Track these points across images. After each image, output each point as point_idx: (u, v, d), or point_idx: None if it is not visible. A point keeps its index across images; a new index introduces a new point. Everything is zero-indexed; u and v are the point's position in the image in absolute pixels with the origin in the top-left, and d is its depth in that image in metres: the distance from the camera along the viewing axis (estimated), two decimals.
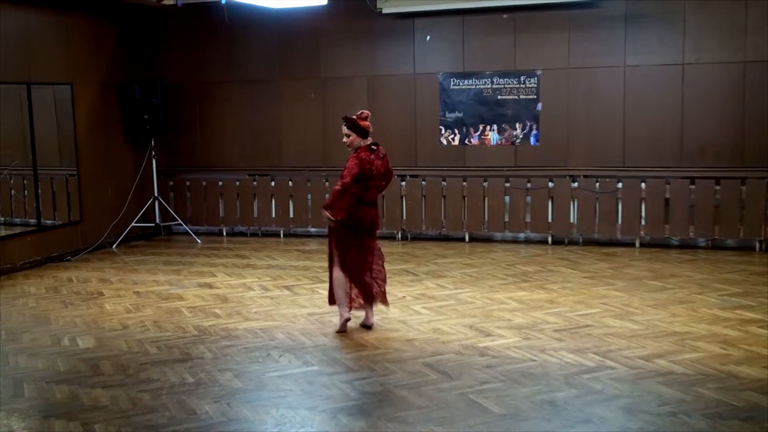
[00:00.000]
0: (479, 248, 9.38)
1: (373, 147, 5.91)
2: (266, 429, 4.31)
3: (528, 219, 9.54)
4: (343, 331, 6.06)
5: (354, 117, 5.89)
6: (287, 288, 7.55)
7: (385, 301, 6.22)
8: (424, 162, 9.94)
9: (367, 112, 6.01)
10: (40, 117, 8.99)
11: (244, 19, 10.05)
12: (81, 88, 9.52)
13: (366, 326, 6.13)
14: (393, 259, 8.84)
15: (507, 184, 9.56)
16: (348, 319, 6.09)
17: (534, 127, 9.49)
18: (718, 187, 8.81)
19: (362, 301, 6.13)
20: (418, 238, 10.03)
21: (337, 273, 6.03)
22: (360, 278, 6.03)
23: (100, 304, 7.14)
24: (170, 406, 4.62)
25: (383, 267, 6.24)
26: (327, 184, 10.08)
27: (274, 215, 10.54)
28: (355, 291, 6.12)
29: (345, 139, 5.91)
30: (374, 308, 6.19)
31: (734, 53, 8.68)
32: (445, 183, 9.80)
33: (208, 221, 10.84)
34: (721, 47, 8.73)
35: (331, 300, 6.18)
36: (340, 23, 10.03)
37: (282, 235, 10.57)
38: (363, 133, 5.88)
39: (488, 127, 9.66)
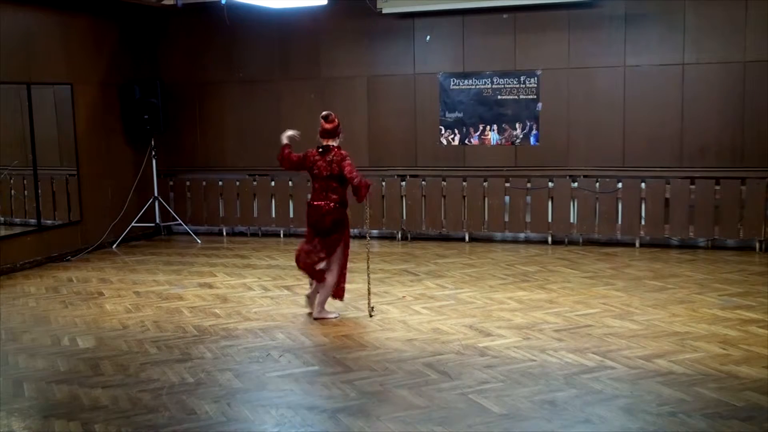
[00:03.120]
0: (479, 248, 9.38)
1: (321, 149, 6.21)
2: (266, 429, 4.31)
3: (528, 219, 9.54)
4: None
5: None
6: (287, 288, 7.55)
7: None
8: (424, 162, 9.94)
9: (328, 112, 6.30)
10: (40, 117, 8.99)
11: (244, 19, 10.05)
12: (81, 88, 9.52)
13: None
14: (393, 259, 8.86)
15: (507, 184, 9.56)
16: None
17: (534, 127, 9.49)
18: (718, 187, 8.81)
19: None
20: (418, 238, 10.03)
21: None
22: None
23: (100, 304, 7.14)
24: (170, 406, 4.62)
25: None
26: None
27: (274, 215, 10.54)
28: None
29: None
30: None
31: (734, 53, 8.68)
32: (445, 183, 9.80)
33: (208, 221, 10.84)
34: (721, 47, 8.73)
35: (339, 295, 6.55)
36: (340, 23, 10.03)
37: (282, 235, 10.57)
38: (322, 133, 6.24)
39: (488, 127, 9.65)
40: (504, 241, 9.78)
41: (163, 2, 9.89)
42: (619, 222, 9.21)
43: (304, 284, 7.69)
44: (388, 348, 5.62)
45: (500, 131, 9.62)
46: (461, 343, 5.69)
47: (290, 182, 10.42)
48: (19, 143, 9.10)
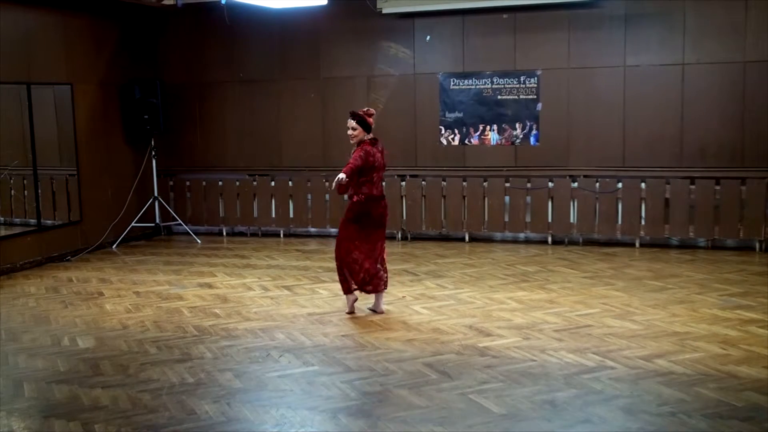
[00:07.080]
0: (479, 248, 9.38)
1: (374, 140, 6.32)
2: (266, 429, 4.31)
3: (528, 219, 9.54)
4: (351, 312, 6.51)
5: (361, 112, 6.29)
6: (287, 288, 7.55)
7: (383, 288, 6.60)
8: (424, 162, 9.94)
9: (373, 110, 6.41)
10: (40, 117, 8.98)
11: (244, 19, 10.05)
12: (81, 88, 9.52)
13: (375, 311, 6.52)
14: (393, 259, 8.83)
15: (507, 184, 9.56)
16: (355, 299, 6.53)
17: (534, 127, 9.49)
18: (718, 187, 8.81)
19: (369, 287, 6.46)
20: (418, 238, 10.03)
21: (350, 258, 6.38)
22: (371, 266, 6.37)
23: (100, 304, 7.14)
24: (170, 406, 4.62)
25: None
26: (327, 183, 10.10)
27: (274, 215, 10.54)
28: (361, 276, 6.41)
29: (350, 132, 6.28)
30: (382, 296, 6.57)
31: (734, 53, 8.67)
32: (445, 183, 9.80)
33: (208, 221, 10.84)
34: (721, 47, 8.73)
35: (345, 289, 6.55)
36: (340, 23, 10.03)
37: (282, 235, 10.57)
38: (368, 128, 6.28)
39: (488, 127, 9.65)
40: (504, 241, 9.78)
41: (163, 2, 9.89)
42: (619, 222, 9.21)
43: (303, 284, 7.70)
44: (388, 348, 5.62)
45: (500, 131, 9.62)
46: (461, 343, 5.69)
47: (290, 182, 10.42)
48: (19, 143, 9.09)
